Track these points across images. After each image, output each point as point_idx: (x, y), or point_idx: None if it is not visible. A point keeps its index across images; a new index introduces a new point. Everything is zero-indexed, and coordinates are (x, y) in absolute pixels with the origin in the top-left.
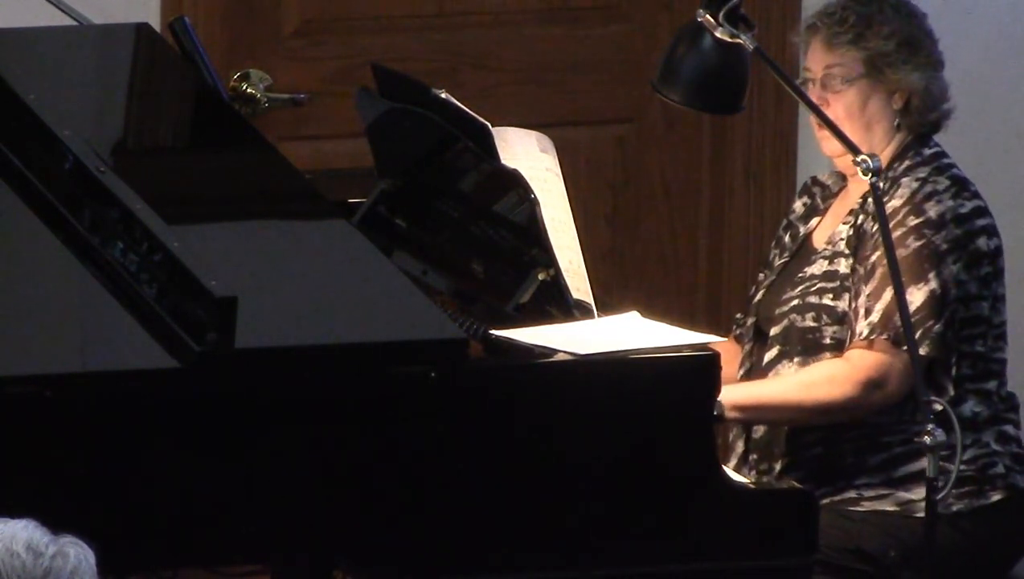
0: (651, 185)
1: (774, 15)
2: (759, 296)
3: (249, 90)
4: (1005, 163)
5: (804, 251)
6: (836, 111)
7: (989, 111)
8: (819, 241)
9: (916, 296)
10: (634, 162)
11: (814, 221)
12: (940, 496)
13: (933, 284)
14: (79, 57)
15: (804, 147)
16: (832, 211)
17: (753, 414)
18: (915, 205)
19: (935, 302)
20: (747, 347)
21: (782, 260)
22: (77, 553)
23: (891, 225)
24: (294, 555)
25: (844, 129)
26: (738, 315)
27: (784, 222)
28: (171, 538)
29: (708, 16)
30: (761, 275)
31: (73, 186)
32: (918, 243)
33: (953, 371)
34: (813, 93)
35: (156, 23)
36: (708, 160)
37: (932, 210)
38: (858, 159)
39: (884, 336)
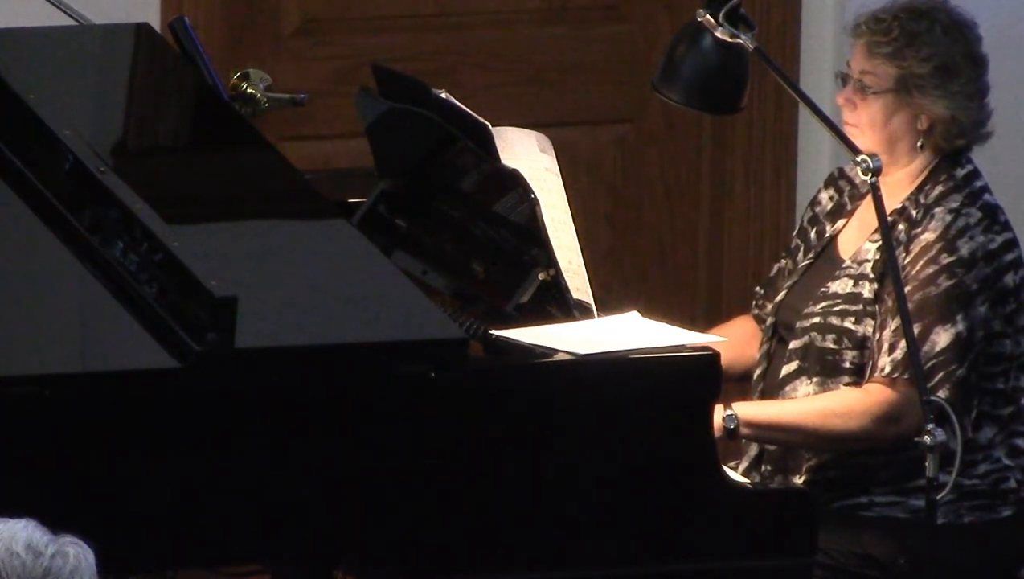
0: (651, 185)
1: (774, 15)
2: (781, 296)
3: (249, 90)
4: (1006, 163)
5: (829, 256)
6: (861, 117)
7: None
8: (845, 250)
9: (942, 337)
10: (634, 162)
11: (840, 222)
12: (940, 496)
13: (960, 326)
14: (79, 57)
15: (804, 147)
16: (859, 216)
17: (767, 433)
18: (948, 242)
19: (960, 345)
20: (765, 346)
21: (806, 260)
22: (77, 553)
23: (923, 261)
24: (294, 555)
25: (866, 137)
26: (757, 288)
27: (809, 213)
28: (171, 538)
29: (708, 16)
30: (784, 262)
31: (73, 186)
32: (949, 283)
33: (973, 413)
34: (845, 91)
35: (156, 23)
36: (708, 160)
37: (964, 248)
38: (858, 159)
39: (906, 375)
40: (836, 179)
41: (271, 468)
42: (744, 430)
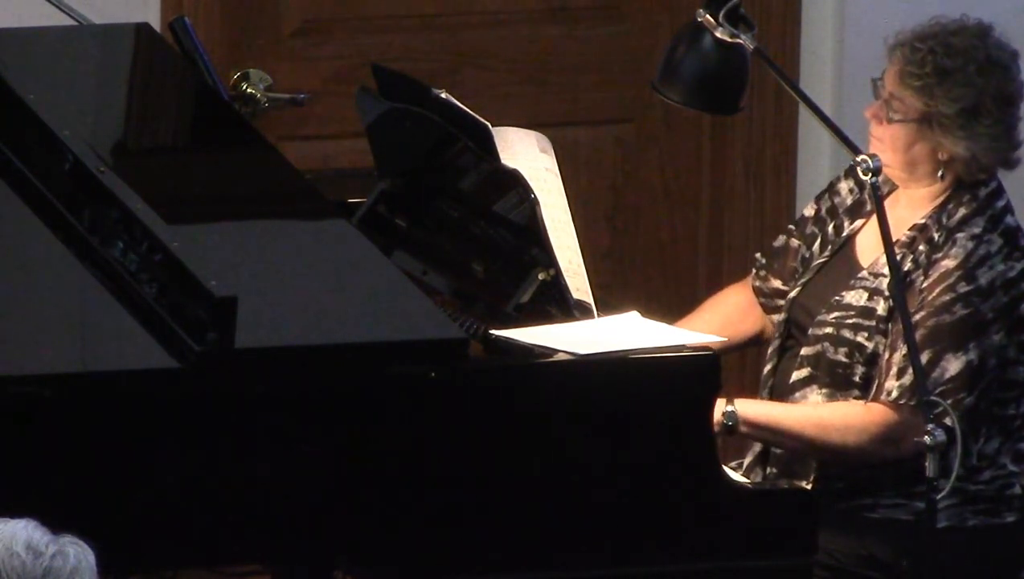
0: (651, 185)
1: (774, 15)
2: (795, 293)
3: (249, 90)
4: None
5: (845, 257)
6: (884, 135)
7: None
8: (862, 255)
9: (953, 365)
10: (634, 162)
11: (859, 222)
12: (939, 497)
13: (972, 355)
14: (79, 57)
15: (804, 147)
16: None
17: (765, 435)
18: (967, 271)
19: (971, 374)
20: (776, 342)
21: (822, 256)
22: (77, 553)
23: (941, 288)
24: (294, 555)
25: (888, 154)
26: (758, 255)
27: (828, 202)
28: (171, 538)
29: (708, 16)
30: (795, 242)
31: (73, 186)
32: (965, 311)
33: (981, 441)
34: (875, 105)
35: (156, 23)
36: (708, 160)
37: (983, 277)
38: (858, 159)
39: (913, 401)
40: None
41: (271, 468)
42: (743, 428)
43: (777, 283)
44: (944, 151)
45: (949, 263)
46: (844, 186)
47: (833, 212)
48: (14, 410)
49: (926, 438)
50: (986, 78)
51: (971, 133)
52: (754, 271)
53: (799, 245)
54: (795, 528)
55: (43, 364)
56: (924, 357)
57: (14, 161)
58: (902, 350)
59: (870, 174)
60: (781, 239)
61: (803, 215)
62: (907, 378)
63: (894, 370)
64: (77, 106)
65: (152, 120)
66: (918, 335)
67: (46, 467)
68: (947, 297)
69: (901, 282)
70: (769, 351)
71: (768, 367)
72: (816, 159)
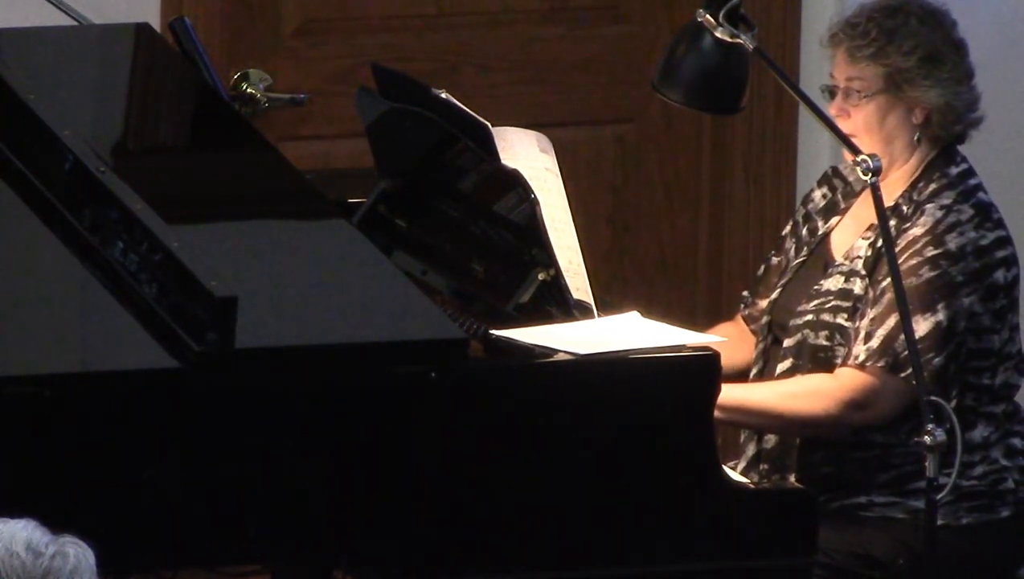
0: (651, 185)
1: (774, 15)
2: (775, 295)
3: (249, 90)
4: (1006, 162)
5: (821, 254)
6: (856, 123)
7: (990, 110)
8: (837, 249)
9: (921, 325)
10: (634, 162)
11: (834, 220)
12: (940, 496)
13: (940, 316)
14: (79, 57)
15: (804, 147)
16: (853, 214)
17: (734, 416)
18: (936, 236)
19: (939, 335)
20: (760, 345)
21: (799, 258)
22: (77, 553)
23: (908, 253)
24: (294, 555)
25: (863, 141)
26: (744, 293)
27: (802, 210)
28: (171, 538)
29: (708, 16)
30: (774, 260)
31: (73, 186)
32: (932, 273)
33: (953, 403)
34: (836, 102)
35: (156, 23)
36: (708, 160)
37: (952, 242)
38: (858, 159)
39: (880, 363)
40: (830, 177)
41: (271, 468)
42: (715, 413)
43: (765, 302)
44: (919, 109)
45: (917, 231)
46: (817, 193)
47: (807, 217)
48: (14, 410)
49: (926, 438)
50: (930, 27)
51: (937, 80)
52: (742, 306)
53: (780, 260)
54: (795, 528)
55: (43, 364)
56: (892, 320)
57: (14, 161)
58: (869, 316)
59: (870, 174)
60: (762, 266)
61: (781, 235)
62: (874, 342)
63: (862, 335)
64: (77, 106)
65: (152, 120)
66: (886, 300)
67: (46, 467)
68: (914, 261)
69: (896, 267)
70: (754, 355)
71: (754, 370)
72: (816, 160)
